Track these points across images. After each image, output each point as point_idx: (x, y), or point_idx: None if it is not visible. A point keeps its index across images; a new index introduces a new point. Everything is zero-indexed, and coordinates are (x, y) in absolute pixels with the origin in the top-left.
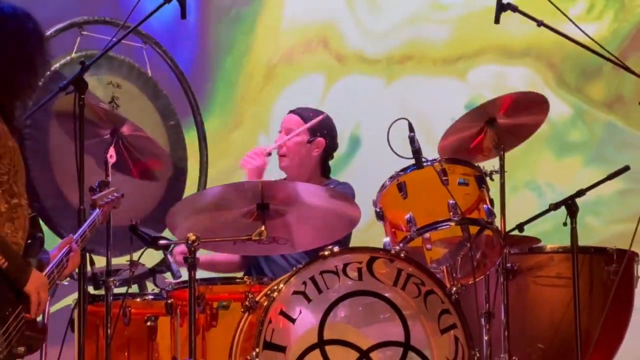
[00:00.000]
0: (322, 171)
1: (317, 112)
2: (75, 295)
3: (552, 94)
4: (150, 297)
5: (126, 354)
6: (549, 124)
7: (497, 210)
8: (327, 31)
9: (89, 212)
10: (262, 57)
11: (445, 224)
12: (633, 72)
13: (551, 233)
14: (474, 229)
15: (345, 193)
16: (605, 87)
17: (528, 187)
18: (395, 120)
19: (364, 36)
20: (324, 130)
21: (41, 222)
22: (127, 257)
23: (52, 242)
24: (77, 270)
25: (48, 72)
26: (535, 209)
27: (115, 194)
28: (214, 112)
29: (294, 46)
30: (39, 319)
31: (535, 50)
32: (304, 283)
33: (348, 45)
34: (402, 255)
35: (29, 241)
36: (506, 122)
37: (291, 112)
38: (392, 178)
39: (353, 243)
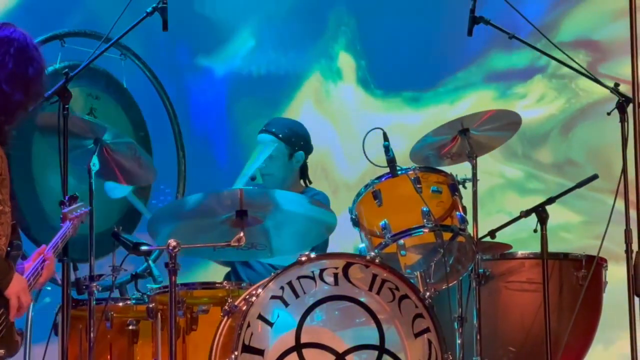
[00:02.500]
0: (302, 178)
1: (287, 124)
2: (57, 299)
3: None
4: (132, 301)
5: (108, 357)
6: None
7: (469, 217)
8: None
9: (60, 225)
10: None
11: (419, 230)
12: (602, 84)
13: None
14: (447, 236)
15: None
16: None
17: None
18: (370, 130)
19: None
20: (300, 142)
21: (20, 229)
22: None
23: (28, 250)
24: (57, 276)
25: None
26: (510, 229)
27: (83, 209)
28: None
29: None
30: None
31: None
32: (282, 288)
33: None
34: (377, 261)
35: (8, 248)
36: (478, 133)
37: (264, 131)
38: (367, 186)
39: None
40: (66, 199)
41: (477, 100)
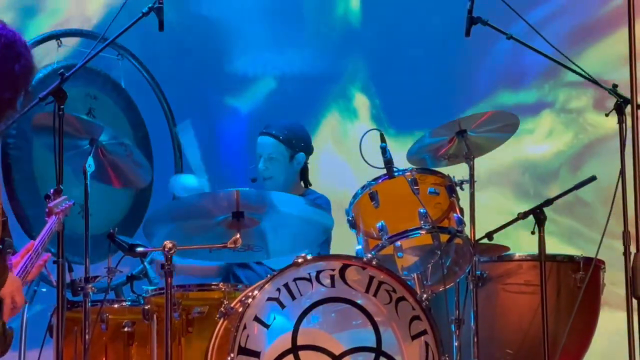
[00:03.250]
0: (302, 179)
1: (287, 126)
2: (52, 301)
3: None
4: (128, 303)
5: (104, 359)
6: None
7: (467, 219)
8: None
9: (45, 220)
10: None
11: (416, 232)
12: (601, 85)
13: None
14: (444, 237)
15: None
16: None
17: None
18: (368, 131)
19: None
20: (301, 144)
21: (23, 231)
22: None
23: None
24: (53, 277)
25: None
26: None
27: (67, 202)
28: None
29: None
30: (8, 324)
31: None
32: (278, 290)
33: None
34: (374, 262)
35: (0, 246)
36: (476, 135)
37: (264, 133)
38: (364, 187)
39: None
40: (51, 192)
41: None
